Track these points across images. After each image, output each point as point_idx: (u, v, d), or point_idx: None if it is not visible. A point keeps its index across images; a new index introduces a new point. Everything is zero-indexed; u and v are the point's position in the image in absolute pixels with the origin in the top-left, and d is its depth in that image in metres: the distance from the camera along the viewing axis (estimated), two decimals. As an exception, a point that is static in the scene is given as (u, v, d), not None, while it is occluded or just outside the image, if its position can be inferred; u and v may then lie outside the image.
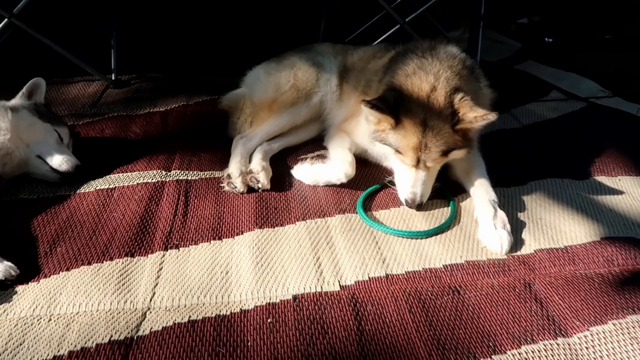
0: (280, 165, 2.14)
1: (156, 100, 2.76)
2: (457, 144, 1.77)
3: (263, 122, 2.23)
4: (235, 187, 1.94)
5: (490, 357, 1.30)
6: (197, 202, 1.89)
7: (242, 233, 1.74)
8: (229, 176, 1.99)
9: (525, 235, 1.78)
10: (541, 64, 3.62)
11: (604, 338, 1.36)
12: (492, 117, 1.66)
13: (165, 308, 1.41)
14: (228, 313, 1.41)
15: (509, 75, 3.47)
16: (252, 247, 1.67)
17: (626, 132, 2.60)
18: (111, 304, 1.41)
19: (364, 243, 1.71)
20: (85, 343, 1.29)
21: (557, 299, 1.49)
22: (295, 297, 1.47)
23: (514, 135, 2.56)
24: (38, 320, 1.35)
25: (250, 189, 1.97)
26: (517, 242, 1.72)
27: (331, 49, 2.50)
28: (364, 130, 2.07)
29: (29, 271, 1.51)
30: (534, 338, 1.36)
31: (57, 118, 2.11)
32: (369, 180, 2.07)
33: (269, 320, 1.39)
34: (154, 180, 2.00)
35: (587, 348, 1.33)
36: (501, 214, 1.77)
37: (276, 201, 1.92)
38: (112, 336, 1.31)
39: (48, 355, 1.25)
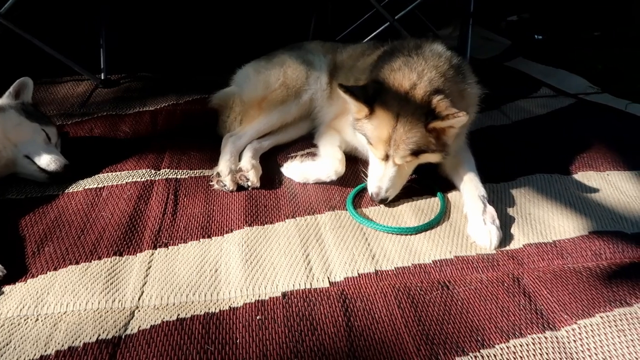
0: (270, 163, 2.14)
1: (146, 100, 2.75)
2: (429, 146, 1.73)
3: (253, 120, 2.22)
4: (225, 186, 1.94)
5: (479, 352, 1.30)
6: (187, 201, 1.89)
7: (231, 231, 1.73)
8: (218, 174, 1.98)
9: (514, 230, 1.78)
10: (531, 60, 3.64)
11: (592, 331, 1.37)
12: (461, 115, 1.62)
13: (154, 307, 1.41)
14: (217, 311, 1.40)
15: (499, 72, 3.49)
16: (241, 245, 1.66)
17: (615, 128, 2.62)
18: (99, 303, 1.41)
19: (353, 240, 1.71)
20: (73, 342, 1.28)
21: (546, 292, 1.50)
22: (284, 294, 1.47)
23: (504, 131, 2.57)
24: (25, 320, 1.35)
25: (240, 187, 1.96)
26: (506, 237, 1.73)
27: (321, 47, 2.50)
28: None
29: (16, 271, 1.50)
30: (522, 332, 1.36)
31: (44, 117, 2.10)
32: (359, 178, 2.07)
33: (258, 318, 1.38)
34: (143, 179, 1.99)
35: (574, 341, 1.34)
36: (490, 210, 1.78)
37: (266, 199, 1.92)
38: (99, 335, 1.30)
39: (35, 355, 1.24)
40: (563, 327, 1.38)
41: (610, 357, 1.30)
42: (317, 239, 1.71)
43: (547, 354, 1.30)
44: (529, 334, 1.36)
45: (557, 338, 1.35)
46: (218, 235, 1.71)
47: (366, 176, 1.90)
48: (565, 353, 1.31)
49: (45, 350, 1.26)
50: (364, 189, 1.99)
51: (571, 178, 2.12)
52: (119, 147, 2.23)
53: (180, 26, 3.88)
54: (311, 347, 1.30)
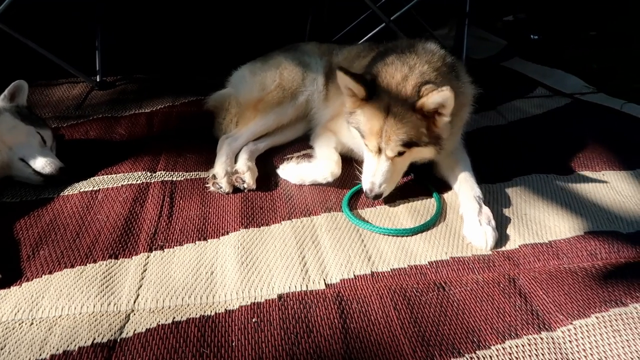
0: (266, 165, 2.14)
1: (141, 102, 2.75)
2: (420, 138, 1.73)
3: (249, 122, 2.22)
4: (221, 188, 1.94)
5: (475, 353, 1.31)
6: (183, 203, 1.88)
7: (227, 233, 1.73)
8: (214, 176, 1.98)
9: (510, 230, 1.79)
10: (527, 60, 3.65)
11: (587, 331, 1.37)
12: (445, 89, 1.60)
13: (149, 310, 1.41)
14: (213, 313, 1.40)
15: (495, 72, 3.49)
16: (237, 247, 1.66)
17: (610, 128, 2.62)
18: (94, 306, 1.40)
19: (349, 241, 1.71)
20: (68, 346, 1.28)
21: (541, 293, 1.50)
22: (280, 296, 1.46)
23: (500, 131, 2.58)
24: (20, 324, 1.34)
25: (236, 189, 1.96)
26: (501, 238, 1.73)
27: (317, 49, 2.50)
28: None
29: (11, 275, 1.50)
30: (518, 333, 1.36)
31: (39, 120, 2.09)
32: (355, 179, 2.06)
33: (253, 320, 1.38)
34: (138, 182, 1.99)
35: (570, 342, 1.34)
36: (486, 210, 1.78)
37: (262, 201, 1.91)
38: (95, 339, 1.30)
39: (30, 359, 1.24)
40: (559, 327, 1.38)
41: (605, 357, 1.30)
42: (313, 240, 1.71)
43: (542, 354, 1.31)
44: (525, 334, 1.36)
45: (552, 338, 1.35)
46: (214, 238, 1.71)
47: (362, 174, 1.89)
48: (561, 353, 1.31)
49: (41, 354, 1.25)
50: (360, 191, 1.99)
51: (567, 178, 2.12)
52: (114, 150, 2.23)
53: (176, 28, 3.87)
54: (307, 349, 1.30)
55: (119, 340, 1.30)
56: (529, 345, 1.33)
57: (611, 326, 1.39)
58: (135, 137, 2.38)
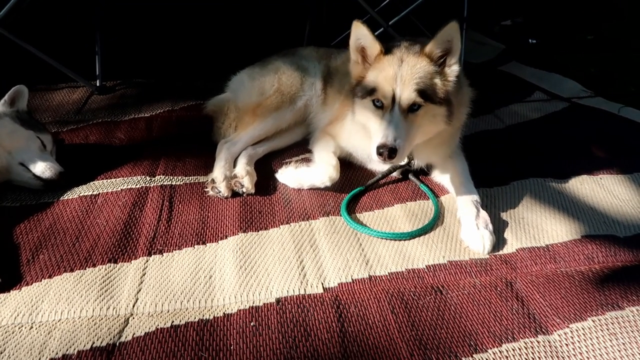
0: (265, 169, 2.15)
1: (141, 106, 2.76)
2: (435, 89, 1.78)
3: (247, 126, 2.23)
4: (220, 192, 1.95)
5: (472, 356, 1.31)
6: (182, 207, 1.89)
7: (226, 237, 1.74)
8: (213, 181, 1.99)
9: (507, 234, 1.79)
10: (524, 65, 3.67)
11: (584, 335, 1.38)
12: (450, 23, 1.77)
13: (148, 314, 1.41)
14: (211, 317, 1.41)
15: (492, 76, 3.51)
16: (236, 251, 1.67)
17: (607, 132, 2.64)
18: (93, 310, 1.41)
19: (347, 245, 1.72)
20: (67, 350, 1.28)
21: (538, 297, 1.51)
22: (278, 300, 1.47)
23: (497, 135, 2.59)
24: (19, 328, 1.35)
25: (235, 194, 1.97)
26: (499, 242, 1.74)
27: (315, 53, 2.51)
28: (349, 133, 2.09)
29: (11, 279, 1.50)
30: (515, 336, 1.37)
31: (39, 125, 2.10)
32: (353, 183, 2.08)
33: (252, 324, 1.39)
34: (138, 186, 2.00)
35: (567, 345, 1.35)
36: (484, 214, 1.79)
37: (261, 205, 1.92)
38: (94, 343, 1.31)
39: (29, 363, 1.25)
40: (555, 331, 1.39)
41: (602, 360, 1.31)
42: (312, 244, 1.72)
43: (539, 358, 1.31)
44: (522, 338, 1.37)
45: (549, 342, 1.36)
46: (212, 242, 1.72)
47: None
48: (558, 357, 1.32)
49: (40, 358, 1.26)
50: (358, 195, 2.00)
51: (564, 182, 2.13)
52: (114, 154, 2.24)
53: (175, 33, 3.89)
54: (305, 353, 1.31)
55: (118, 344, 1.31)
56: (526, 348, 1.34)
57: (608, 329, 1.40)
58: (135, 142, 2.39)
